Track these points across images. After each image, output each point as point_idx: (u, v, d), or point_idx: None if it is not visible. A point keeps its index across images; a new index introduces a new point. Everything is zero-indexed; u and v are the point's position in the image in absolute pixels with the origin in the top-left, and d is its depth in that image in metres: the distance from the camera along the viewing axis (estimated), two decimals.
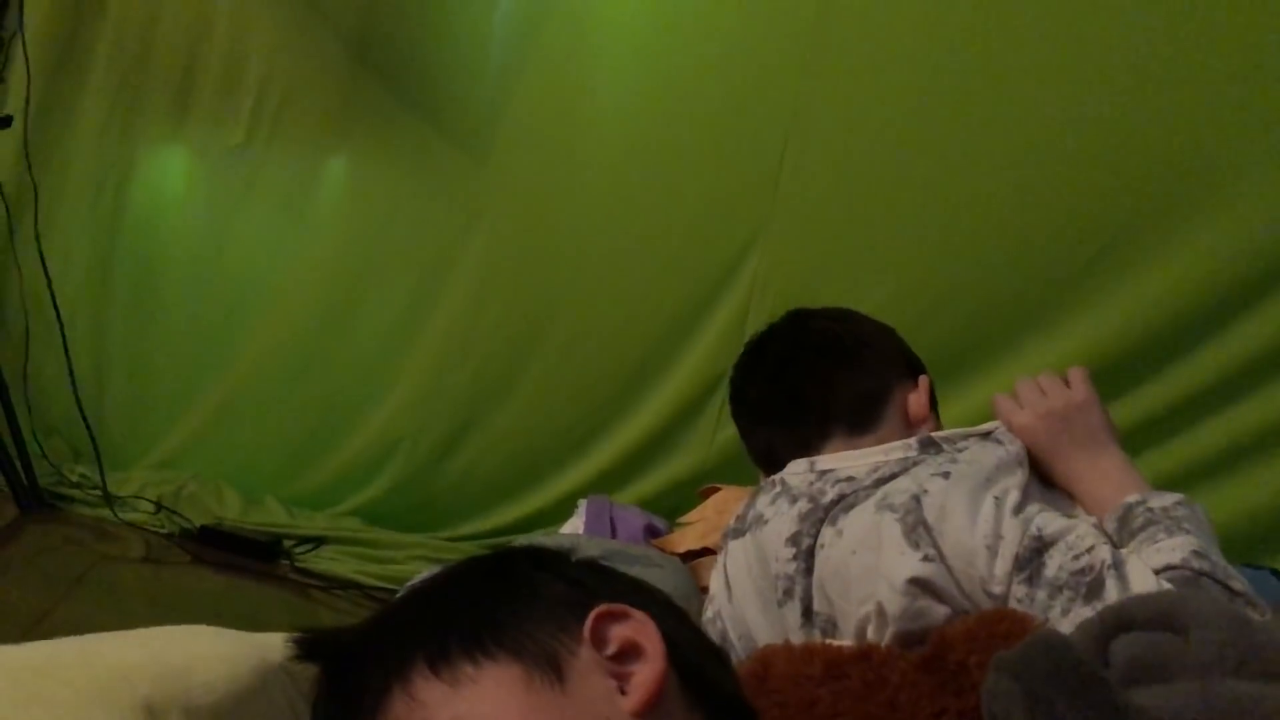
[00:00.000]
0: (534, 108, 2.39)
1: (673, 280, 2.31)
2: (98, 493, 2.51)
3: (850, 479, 1.08)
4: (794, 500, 1.10)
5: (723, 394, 1.91)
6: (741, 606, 1.11)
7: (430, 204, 2.51)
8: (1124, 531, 1.01)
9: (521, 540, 2.16)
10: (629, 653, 0.64)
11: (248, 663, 0.74)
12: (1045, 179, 2.04)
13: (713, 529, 1.54)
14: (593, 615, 0.65)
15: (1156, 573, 0.91)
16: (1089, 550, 0.93)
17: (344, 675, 0.66)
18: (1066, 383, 1.15)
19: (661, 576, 1.29)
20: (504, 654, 0.63)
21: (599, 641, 0.64)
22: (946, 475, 1.01)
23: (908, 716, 0.79)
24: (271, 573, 2.28)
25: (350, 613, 2.13)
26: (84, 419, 2.59)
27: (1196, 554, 0.92)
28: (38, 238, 2.56)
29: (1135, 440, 1.83)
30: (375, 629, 0.68)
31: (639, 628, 0.65)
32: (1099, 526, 1.02)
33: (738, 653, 1.09)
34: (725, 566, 1.17)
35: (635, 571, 0.78)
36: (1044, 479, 1.11)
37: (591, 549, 1.34)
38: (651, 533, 1.70)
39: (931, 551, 0.95)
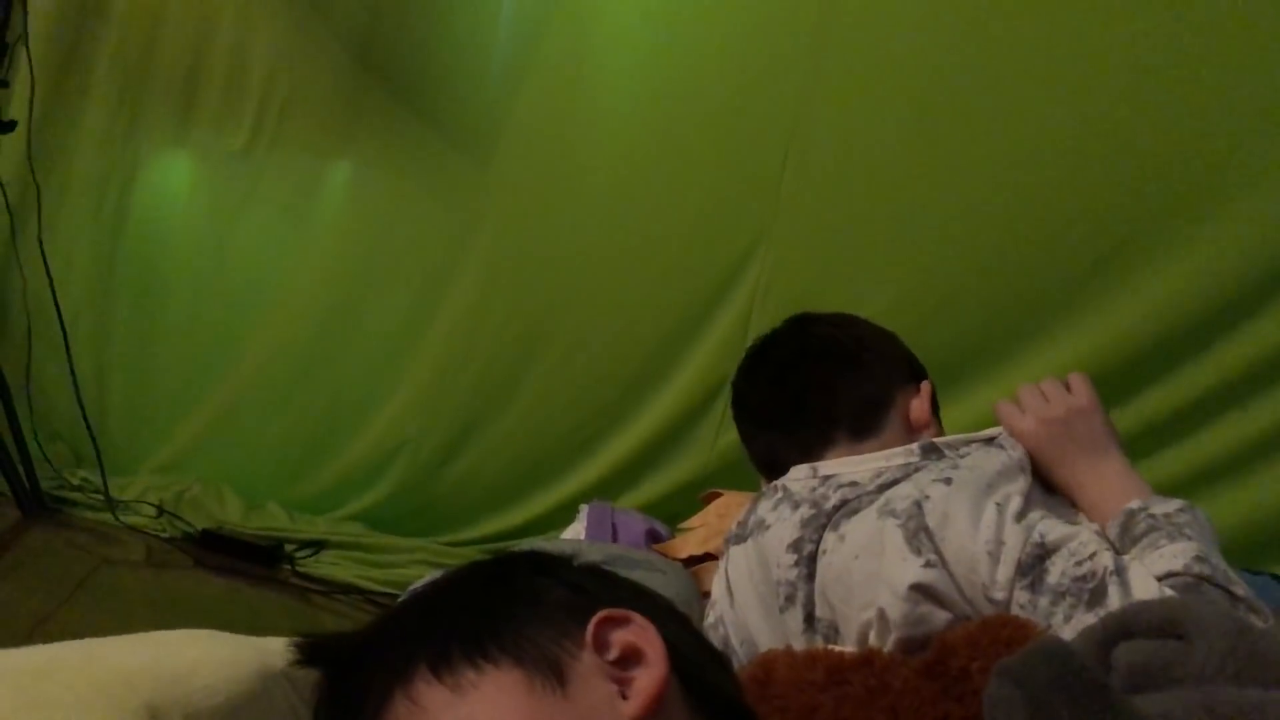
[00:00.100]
0: (537, 112, 2.39)
1: (675, 285, 2.31)
2: (99, 496, 2.51)
3: (853, 484, 1.08)
4: (796, 506, 1.10)
5: (725, 399, 1.91)
6: (743, 612, 1.11)
7: (433, 208, 2.51)
8: (1126, 537, 1.01)
9: (523, 545, 2.16)
10: (631, 658, 0.64)
11: (249, 667, 0.74)
12: (1048, 184, 2.05)
13: (714, 534, 1.54)
14: (594, 620, 0.65)
15: (1159, 579, 0.91)
16: (1091, 557, 0.93)
17: (345, 680, 0.66)
18: (1069, 388, 1.15)
19: (663, 582, 1.29)
20: (506, 659, 0.62)
21: (601, 646, 0.64)
22: (949, 481, 1.01)
23: None
24: (273, 577, 2.29)
25: (351, 617, 2.13)
26: (86, 423, 2.59)
27: (1199, 560, 0.92)
28: (41, 241, 2.56)
29: (1137, 446, 1.82)
30: (377, 633, 0.68)
31: (641, 633, 0.65)
32: (1101, 533, 1.02)
33: (739, 658, 1.09)
34: (727, 572, 1.17)
35: (637, 577, 0.78)
36: (1046, 485, 1.11)
37: (593, 554, 1.34)
38: (653, 538, 1.70)
39: (933, 557, 0.95)
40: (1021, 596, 0.92)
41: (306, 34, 2.56)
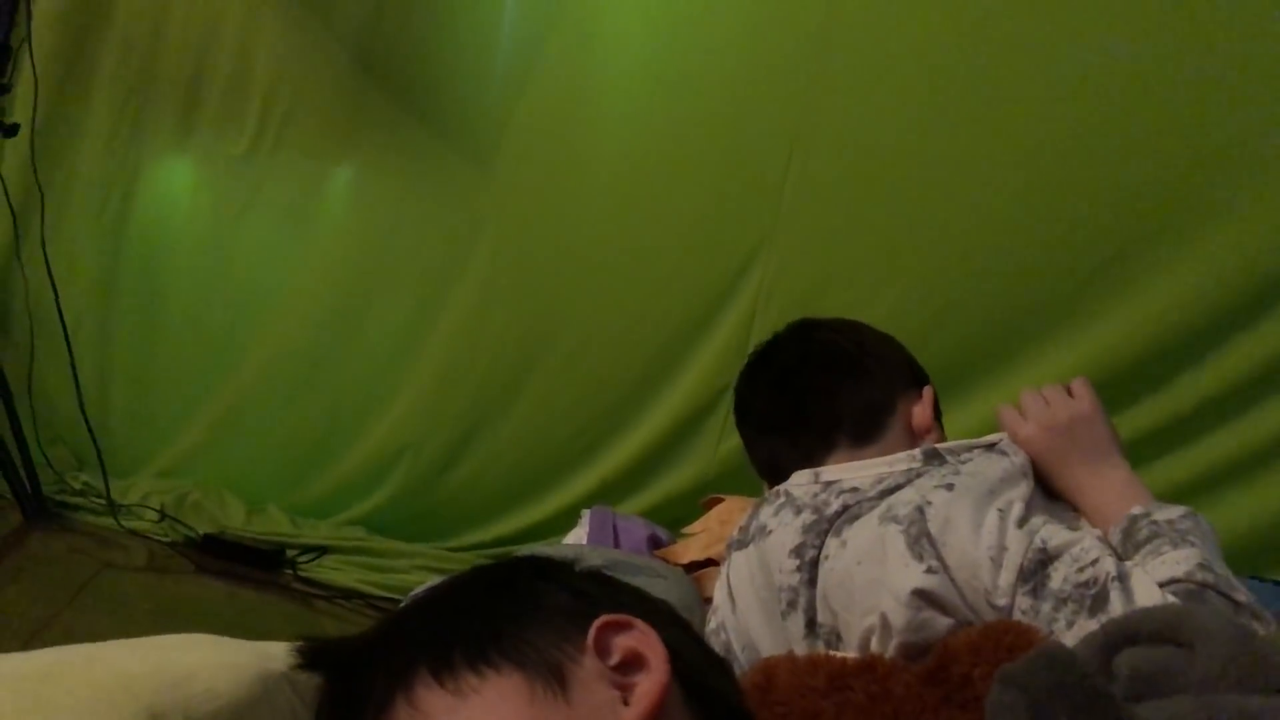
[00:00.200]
0: (539, 116, 2.39)
1: (677, 290, 2.31)
2: (101, 501, 2.51)
3: (854, 490, 1.08)
4: (798, 511, 1.10)
5: (727, 405, 1.92)
6: (745, 618, 1.11)
7: (435, 213, 2.51)
8: (1128, 544, 1.01)
9: (524, 550, 2.16)
10: (632, 663, 0.64)
11: (250, 671, 0.74)
12: (1051, 188, 2.05)
13: (716, 540, 1.53)
14: (596, 625, 0.65)
15: (1161, 585, 0.91)
16: (1093, 563, 0.92)
17: (347, 684, 0.66)
18: (1071, 393, 1.15)
19: (665, 587, 1.29)
20: (507, 664, 0.62)
21: (602, 652, 0.64)
22: (950, 487, 1.01)
23: None
24: (274, 582, 2.29)
25: (353, 622, 2.13)
26: (88, 427, 2.59)
27: (1201, 567, 0.92)
28: (44, 245, 2.57)
29: (1139, 452, 1.82)
30: (379, 638, 0.68)
31: (642, 638, 0.65)
32: (1103, 539, 1.01)
33: (741, 664, 1.09)
34: (728, 577, 1.17)
35: (638, 582, 0.78)
36: (1048, 491, 1.11)
37: (595, 559, 1.34)
38: (655, 543, 1.70)
39: (935, 563, 0.95)
40: (1023, 602, 0.92)
41: (309, 38, 2.56)
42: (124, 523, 2.45)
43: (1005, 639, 0.82)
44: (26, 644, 1.72)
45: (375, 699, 0.64)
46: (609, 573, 0.76)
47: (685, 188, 2.29)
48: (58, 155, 2.70)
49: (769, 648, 1.06)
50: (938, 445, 1.12)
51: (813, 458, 1.19)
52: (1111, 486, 1.08)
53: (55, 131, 2.67)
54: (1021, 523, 0.97)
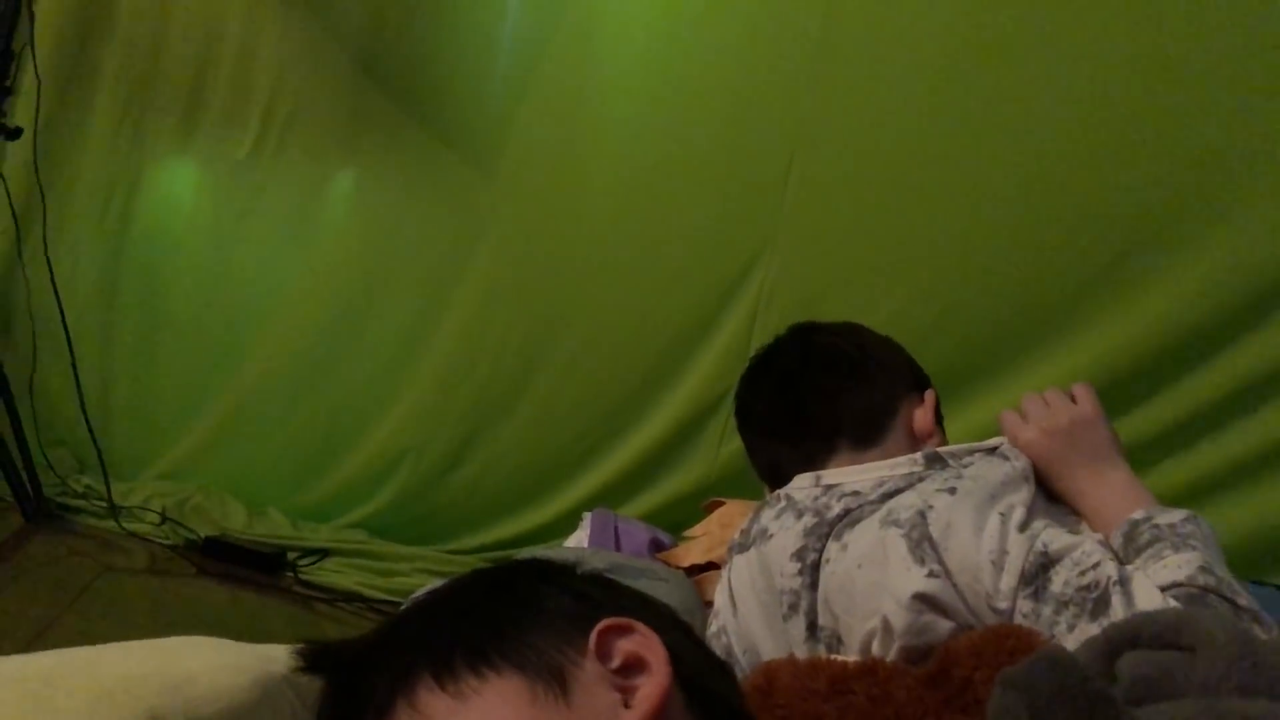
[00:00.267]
0: (541, 120, 2.40)
1: (678, 293, 2.31)
2: (103, 504, 2.51)
3: (856, 494, 1.08)
4: (799, 515, 1.10)
5: (728, 408, 1.91)
6: (746, 621, 1.11)
7: (436, 216, 2.52)
8: (1130, 548, 1.01)
9: (526, 553, 2.16)
10: (633, 666, 0.64)
11: (251, 674, 0.74)
12: (1053, 192, 2.05)
13: (717, 543, 1.53)
14: (597, 628, 0.65)
15: (1163, 589, 0.91)
16: (1095, 566, 0.92)
17: (348, 687, 0.66)
18: (1072, 398, 1.15)
19: (666, 590, 1.29)
20: (508, 667, 0.62)
21: (604, 655, 0.64)
22: (952, 491, 1.01)
23: None
24: (275, 584, 2.28)
25: (354, 625, 2.13)
26: (89, 430, 2.59)
27: (1203, 571, 0.92)
28: (46, 248, 2.57)
29: (1141, 456, 1.82)
30: (380, 641, 0.68)
31: (644, 641, 0.65)
32: (1105, 543, 1.01)
33: (742, 667, 1.08)
34: (730, 581, 1.17)
35: (640, 585, 0.78)
36: (1049, 495, 1.11)
37: (596, 562, 1.34)
38: (656, 546, 1.70)
39: (937, 567, 0.95)
40: (1025, 606, 0.92)
41: (311, 43, 2.57)
42: (125, 525, 2.45)
43: (1007, 642, 0.82)
44: (27, 646, 1.72)
45: (376, 701, 0.64)
46: (610, 576, 0.76)
47: (687, 191, 2.29)
48: (60, 158, 2.70)
49: (770, 651, 1.06)
50: (939, 449, 1.12)
51: (814, 461, 1.19)
52: (1113, 490, 1.08)
53: (58, 134, 2.68)
54: (1023, 527, 0.97)
